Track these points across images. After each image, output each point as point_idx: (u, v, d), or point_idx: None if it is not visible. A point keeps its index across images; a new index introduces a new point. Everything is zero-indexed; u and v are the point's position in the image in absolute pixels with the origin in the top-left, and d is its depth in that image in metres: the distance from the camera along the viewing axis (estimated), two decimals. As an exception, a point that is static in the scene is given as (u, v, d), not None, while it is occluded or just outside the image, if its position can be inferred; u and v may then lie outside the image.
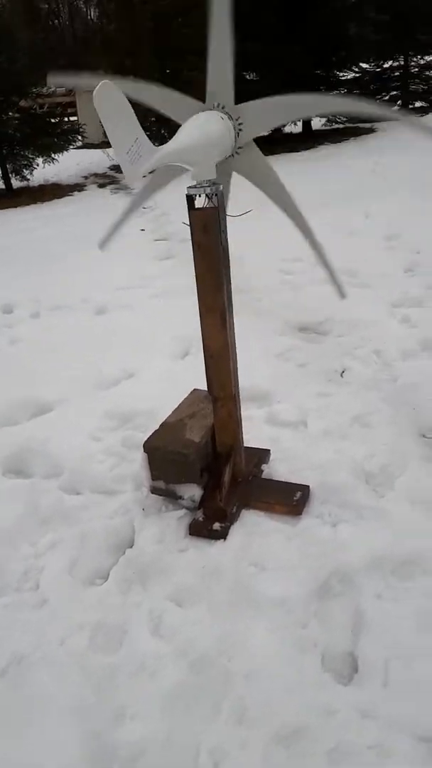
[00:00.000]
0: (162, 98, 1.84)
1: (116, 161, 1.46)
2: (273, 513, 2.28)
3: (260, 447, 2.63)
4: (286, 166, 12.70)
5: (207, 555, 2.10)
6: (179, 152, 1.62)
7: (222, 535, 2.17)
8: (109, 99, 1.37)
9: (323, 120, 14.06)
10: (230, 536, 2.18)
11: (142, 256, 5.98)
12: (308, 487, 2.35)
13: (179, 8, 11.04)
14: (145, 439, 2.36)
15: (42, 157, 12.22)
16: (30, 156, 12.56)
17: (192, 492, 2.31)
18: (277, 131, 14.18)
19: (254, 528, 2.21)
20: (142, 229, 6.98)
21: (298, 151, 12.07)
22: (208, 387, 2.20)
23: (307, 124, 13.90)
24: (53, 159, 12.10)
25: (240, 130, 1.76)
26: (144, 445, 2.33)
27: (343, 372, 3.28)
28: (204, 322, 2.06)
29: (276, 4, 10.71)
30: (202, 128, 1.68)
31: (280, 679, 1.65)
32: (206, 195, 1.81)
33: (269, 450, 2.62)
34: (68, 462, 2.67)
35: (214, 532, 2.18)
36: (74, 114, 19.59)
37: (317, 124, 14.13)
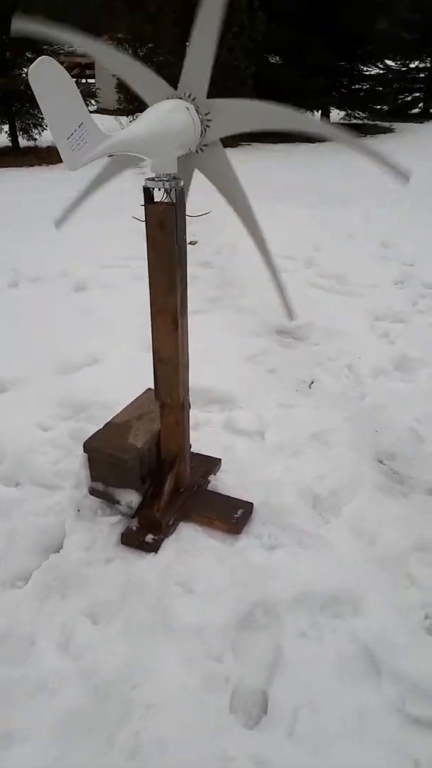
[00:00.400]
0: (132, 71, 1.67)
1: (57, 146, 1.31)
2: (212, 529, 2.19)
3: (212, 455, 2.53)
4: (298, 156, 12.49)
5: (134, 568, 2.00)
6: (131, 143, 1.49)
7: (154, 548, 2.07)
8: (47, 77, 1.22)
9: (342, 113, 13.82)
10: (162, 550, 2.08)
11: (131, 235, 5.81)
12: (252, 504, 2.26)
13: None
14: (88, 437, 2.26)
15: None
16: (39, 115, 12.26)
17: (130, 498, 2.21)
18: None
19: (189, 544, 2.11)
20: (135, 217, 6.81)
21: (313, 142, 11.86)
22: (155, 392, 2.09)
23: (325, 115, 13.65)
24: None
25: (207, 126, 1.62)
26: (84, 445, 2.22)
27: (311, 383, 3.18)
28: (155, 325, 1.94)
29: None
30: (163, 118, 1.54)
31: (183, 715, 1.57)
32: (164, 189, 1.68)
33: (220, 459, 2.52)
34: (11, 448, 2.56)
35: (145, 545, 2.08)
36: (92, 76, 19.06)
37: (335, 117, 13.88)
